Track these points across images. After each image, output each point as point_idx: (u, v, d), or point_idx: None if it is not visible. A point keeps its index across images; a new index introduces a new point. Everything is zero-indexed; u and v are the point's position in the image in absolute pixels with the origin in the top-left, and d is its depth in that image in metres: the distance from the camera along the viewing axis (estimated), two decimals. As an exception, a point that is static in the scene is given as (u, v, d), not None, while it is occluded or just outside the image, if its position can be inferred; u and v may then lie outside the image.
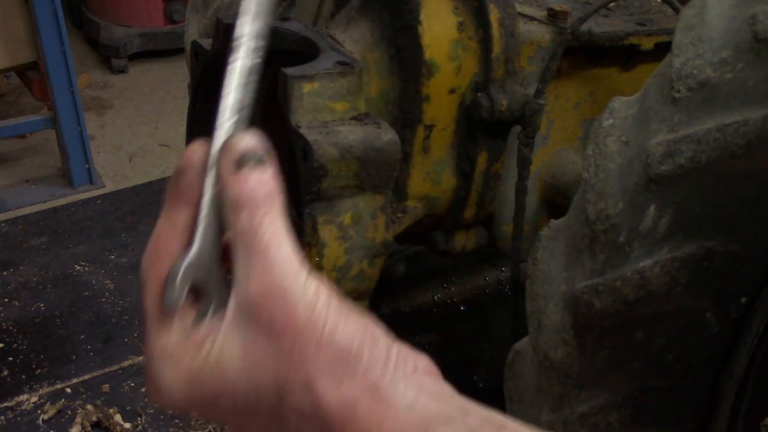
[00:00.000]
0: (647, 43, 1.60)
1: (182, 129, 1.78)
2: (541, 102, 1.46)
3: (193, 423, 1.85)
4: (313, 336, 0.49)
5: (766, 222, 1.04)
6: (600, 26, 1.57)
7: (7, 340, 2.11)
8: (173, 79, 4.58)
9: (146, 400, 1.93)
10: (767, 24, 0.95)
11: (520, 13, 1.54)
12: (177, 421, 1.86)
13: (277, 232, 0.52)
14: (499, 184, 1.56)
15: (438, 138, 1.47)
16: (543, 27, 1.57)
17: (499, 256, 1.92)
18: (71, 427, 1.82)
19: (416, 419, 0.47)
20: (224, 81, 0.57)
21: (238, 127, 0.56)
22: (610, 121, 1.08)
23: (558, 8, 1.58)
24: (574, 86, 1.63)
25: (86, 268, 2.44)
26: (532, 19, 1.59)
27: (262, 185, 0.53)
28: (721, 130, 0.97)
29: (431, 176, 1.50)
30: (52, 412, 1.87)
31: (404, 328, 2.16)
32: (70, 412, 1.88)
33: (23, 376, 1.99)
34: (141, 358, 2.07)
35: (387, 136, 1.28)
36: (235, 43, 0.58)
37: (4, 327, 2.16)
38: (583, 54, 1.59)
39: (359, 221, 1.31)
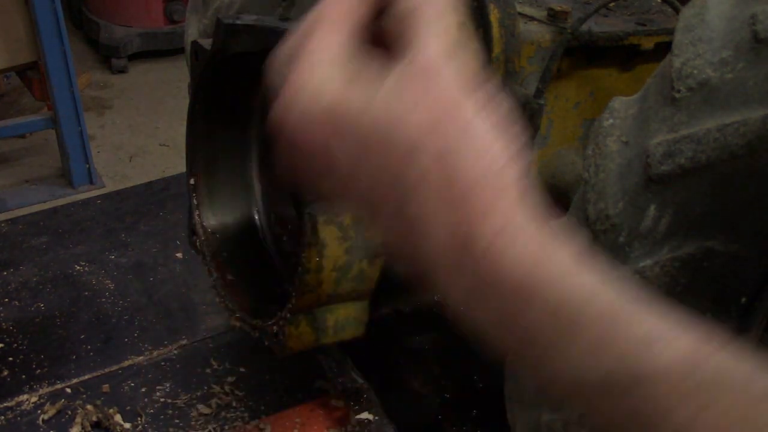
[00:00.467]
0: (647, 43, 1.60)
1: (182, 129, 1.78)
2: (541, 102, 1.46)
3: (193, 423, 1.85)
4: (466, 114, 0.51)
5: (766, 222, 1.04)
6: (600, 26, 1.57)
7: (7, 340, 2.11)
8: (173, 79, 4.58)
9: (146, 400, 1.93)
10: (767, 24, 0.96)
11: (520, 13, 1.53)
12: (177, 421, 1.86)
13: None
14: (499, 184, 1.56)
15: (438, 138, 1.47)
16: (543, 27, 1.57)
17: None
18: (71, 427, 1.82)
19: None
20: None
21: None
22: (610, 121, 1.08)
23: (558, 8, 1.58)
24: (574, 86, 1.63)
25: (86, 268, 2.44)
26: (532, 19, 1.59)
27: None
28: (721, 130, 0.97)
29: (431, 176, 1.50)
30: (52, 412, 1.87)
31: (404, 328, 2.17)
32: (70, 412, 1.88)
33: (23, 376, 1.99)
34: (141, 358, 2.07)
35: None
36: None
37: (4, 327, 2.16)
38: (583, 54, 1.59)
39: (359, 221, 1.31)
